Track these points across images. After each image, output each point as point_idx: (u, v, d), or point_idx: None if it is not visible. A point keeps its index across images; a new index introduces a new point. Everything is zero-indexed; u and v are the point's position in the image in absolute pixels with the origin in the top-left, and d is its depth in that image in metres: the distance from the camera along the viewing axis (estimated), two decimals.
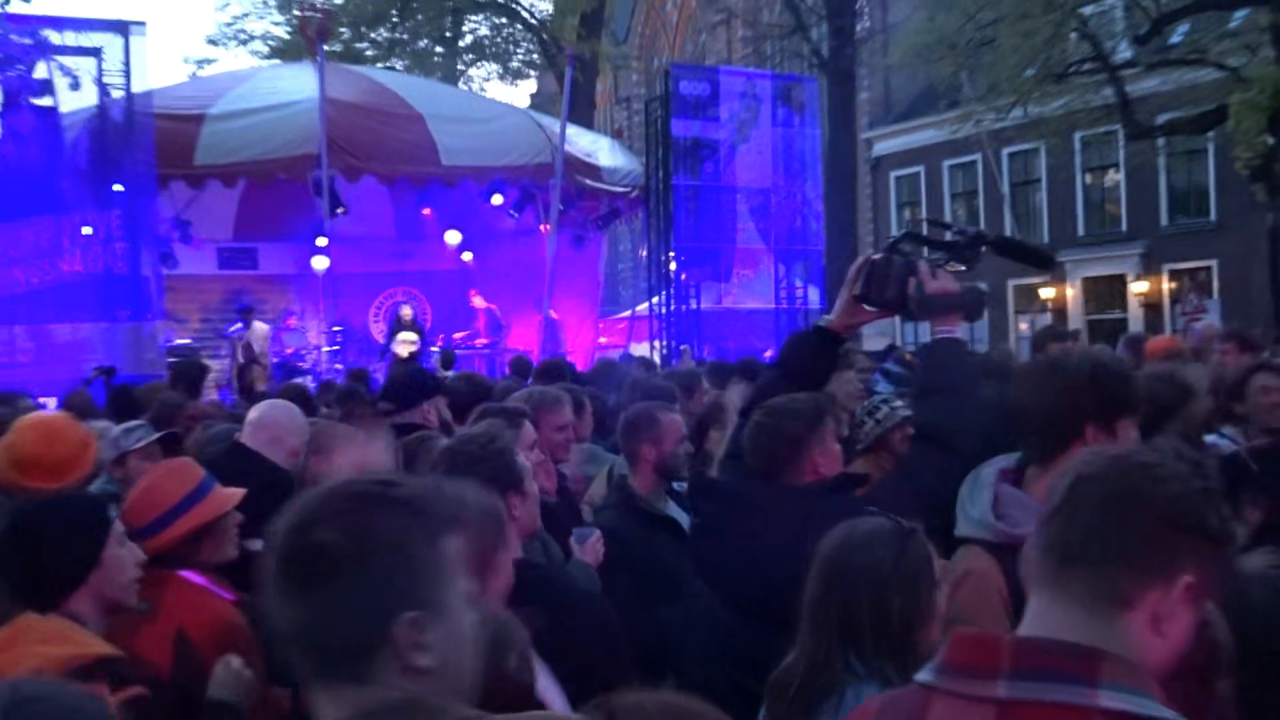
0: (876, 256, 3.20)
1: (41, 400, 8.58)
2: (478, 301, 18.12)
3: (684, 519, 4.37)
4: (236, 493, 3.40)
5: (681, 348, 14.86)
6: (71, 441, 3.97)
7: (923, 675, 1.64)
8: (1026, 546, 1.71)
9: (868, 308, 3.25)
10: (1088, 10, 19.82)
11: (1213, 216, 27.61)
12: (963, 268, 3.20)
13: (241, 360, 15.58)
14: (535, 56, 32.44)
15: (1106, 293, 30.03)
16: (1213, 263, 27.57)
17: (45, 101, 12.37)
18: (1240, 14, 18.33)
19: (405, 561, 1.52)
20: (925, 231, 3.34)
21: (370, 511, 1.54)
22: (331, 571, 1.49)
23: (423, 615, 1.50)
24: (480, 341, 17.57)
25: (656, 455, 4.37)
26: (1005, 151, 29.81)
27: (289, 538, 1.54)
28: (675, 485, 4.69)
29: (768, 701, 2.47)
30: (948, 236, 3.30)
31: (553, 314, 17.41)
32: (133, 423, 5.36)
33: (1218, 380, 5.33)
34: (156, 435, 5.15)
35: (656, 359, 14.76)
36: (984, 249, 3.25)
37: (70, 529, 2.78)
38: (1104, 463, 1.62)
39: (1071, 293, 30.20)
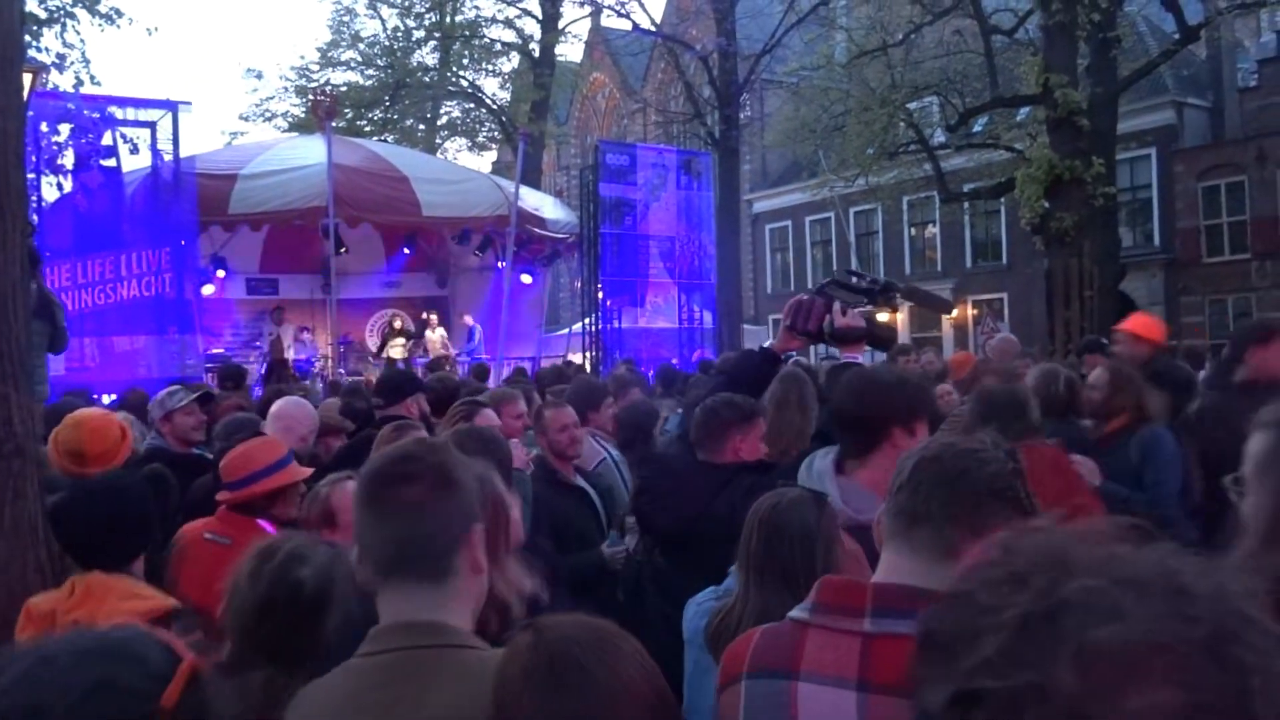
0: (804, 297, 3.22)
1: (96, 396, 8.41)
2: (466, 319, 17.97)
3: (590, 490, 4.37)
4: (306, 470, 3.43)
5: (618, 358, 14.86)
6: (112, 435, 3.86)
7: (796, 613, 1.62)
8: (879, 513, 1.68)
9: (797, 336, 3.28)
10: (912, 105, 20.14)
11: (1004, 260, 28.18)
12: (871, 308, 3.21)
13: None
14: (496, 133, 32.20)
15: (926, 317, 30.43)
16: (1004, 295, 28.13)
17: (110, 163, 12.09)
18: (1024, 110, 18.73)
19: (479, 488, 1.63)
20: (852, 280, 3.34)
21: (450, 451, 1.65)
22: (431, 497, 1.56)
23: (482, 530, 1.59)
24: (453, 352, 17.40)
25: (546, 442, 4.37)
26: (852, 210, 30.19)
27: (392, 478, 1.60)
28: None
29: (710, 645, 2.33)
30: (860, 283, 3.32)
31: (469, 320, 17.41)
32: (173, 388, 5.31)
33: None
34: (194, 395, 5.10)
35: (588, 365, 14.77)
36: (896, 295, 3.29)
37: (134, 510, 2.70)
38: (939, 448, 1.62)
39: (901, 317, 30.58)
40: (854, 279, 3.35)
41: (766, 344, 3.54)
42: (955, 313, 29.00)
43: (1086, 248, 14.17)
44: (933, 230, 30.17)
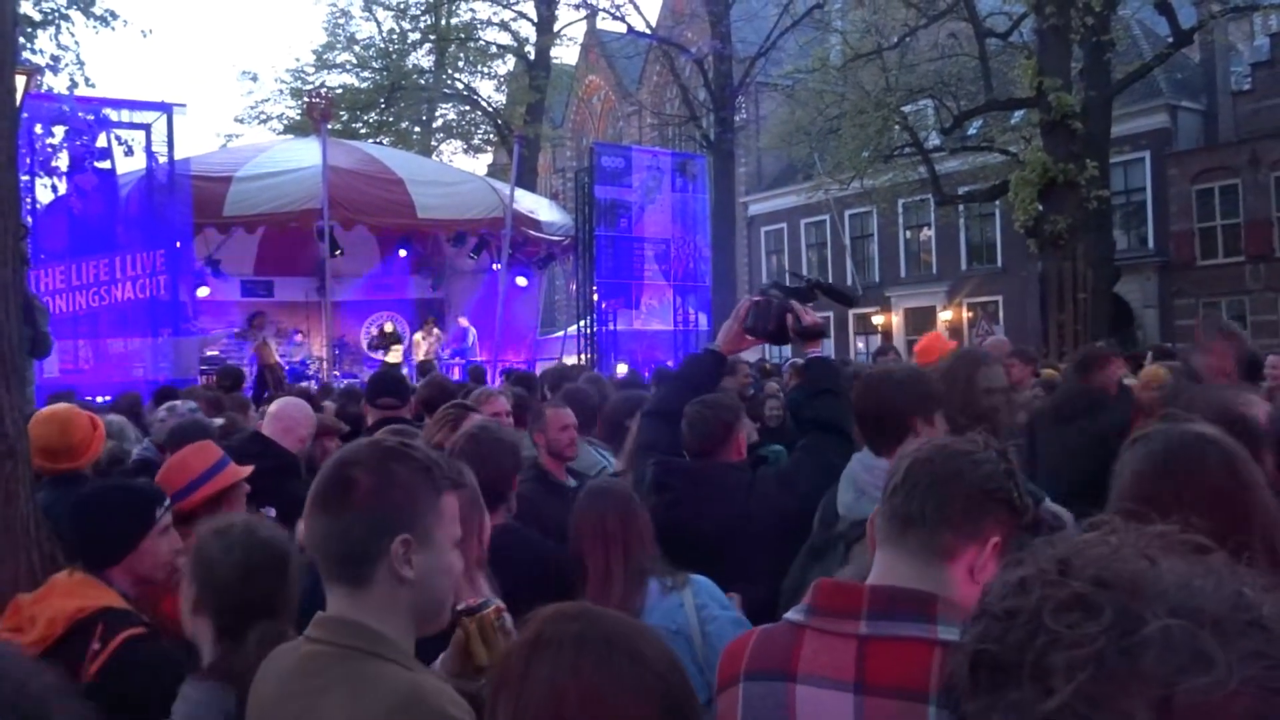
0: (758, 299, 3.27)
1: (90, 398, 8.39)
2: (462, 321, 17.94)
3: None
4: (245, 469, 3.34)
5: (613, 361, 14.83)
6: (82, 430, 3.78)
7: (792, 615, 1.62)
8: (871, 514, 1.69)
9: (750, 337, 3.32)
10: (907, 108, 20.16)
11: (999, 263, 28.21)
12: (809, 306, 3.28)
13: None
14: (491, 136, 32.23)
15: (921, 320, 30.53)
16: (999, 298, 28.16)
17: (104, 165, 12.09)
18: (1018, 114, 18.77)
19: (407, 498, 1.57)
20: (788, 281, 3.41)
21: (389, 459, 1.59)
22: (351, 499, 1.55)
23: (414, 540, 1.55)
24: (445, 353, 17.38)
25: (545, 440, 4.39)
26: (847, 213, 30.26)
27: (330, 471, 1.60)
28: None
29: None
30: (796, 283, 3.38)
31: (464, 322, 17.38)
32: (191, 403, 5.28)
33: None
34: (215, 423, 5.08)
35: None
36: (817, 292, 3.36)
37: (116, 520, 2.69)
38: (932, 450, 1.62)
39: (896, 319, 30.67)
40: (791, 279, 3.42)
41: (712, 345, 3.56)
42: (878, 313, 29.16)
43: (1080, 251, 14.21)
44: (928, 233, 30.20)
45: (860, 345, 30.99)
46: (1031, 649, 0.67)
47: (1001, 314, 28.05)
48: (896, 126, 19.92)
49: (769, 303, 3.25)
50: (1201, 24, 16.67)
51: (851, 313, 30.38)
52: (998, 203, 20.22)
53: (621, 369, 13.29)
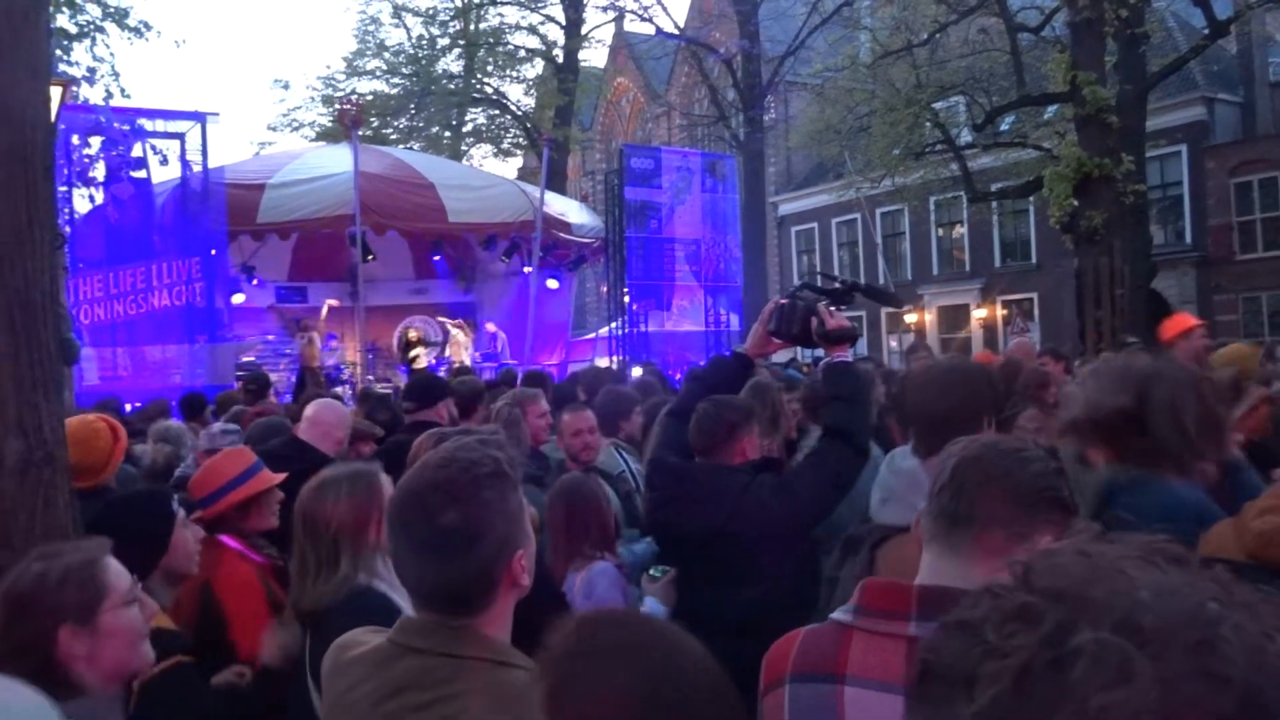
0: (784, 300, 3.20)
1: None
2: (490, 327, 17.99)
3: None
4: (278, 476, 3.31)
5: (646, 363, 14.82)
6: (99, 450, 3.73)
7: (839, 615, 1.61)
8: (918, 513, 1.66)
9: (776, 340, 3.25)
10: (938, 105, 20.01)
11: (1034, 260, 27.95)
12: (843, 308, 3.20)
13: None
14: (521, 139, 32.35)
15: (954, 317, 30.32)
16: (1034, 295, 27.90)
17: (140, 174, 12.23)
18: (1051, 108, 18.56)
19: (507, 516, 1.56)
20: (819, 282, 3.33)
21: (478, 488, 1.54)
22: (464, 544, 1.51)
23: (524, 550, 1.57)
24: (477, 355, 17.42)
25: (563, 445, 4.41)
26: (878, 211, 30.07)
27: (418, 514, 1.53)
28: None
29: None
30: (829, 285, 3.31)
31: (491, 327, 17.40)
32: (230, 425, 5.30)
33: None
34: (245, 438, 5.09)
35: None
36: (856, 294, 3.28)
37: (146, 524, 2.70)
38: (980, 448, 1.59)
39: (929, 317, 30.45)
40: (823, 280, 3.34)
41: (740, 348, 3.51)
42: (911, 312, 28.88)
43: (1117, 246, 14.01)
44: (960, 230, 29.97)
45: (893, 344, 30.78)
46: (968, 661, 0.64)
47: (1036, 311, 27.77)
48: (928, 124, 19.77)
49: (794, 305, 3.17)
50: (1238, 15, 16.41)
51: (884, 311, 30.20)
52: (1031, 198, 20.02)
53: (636, 372, 13.23)
